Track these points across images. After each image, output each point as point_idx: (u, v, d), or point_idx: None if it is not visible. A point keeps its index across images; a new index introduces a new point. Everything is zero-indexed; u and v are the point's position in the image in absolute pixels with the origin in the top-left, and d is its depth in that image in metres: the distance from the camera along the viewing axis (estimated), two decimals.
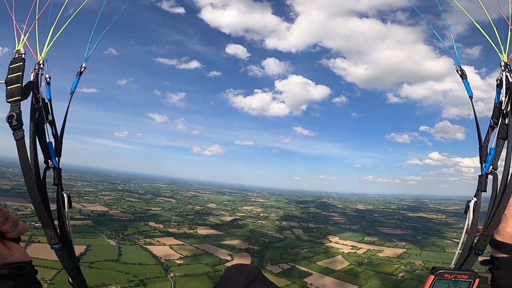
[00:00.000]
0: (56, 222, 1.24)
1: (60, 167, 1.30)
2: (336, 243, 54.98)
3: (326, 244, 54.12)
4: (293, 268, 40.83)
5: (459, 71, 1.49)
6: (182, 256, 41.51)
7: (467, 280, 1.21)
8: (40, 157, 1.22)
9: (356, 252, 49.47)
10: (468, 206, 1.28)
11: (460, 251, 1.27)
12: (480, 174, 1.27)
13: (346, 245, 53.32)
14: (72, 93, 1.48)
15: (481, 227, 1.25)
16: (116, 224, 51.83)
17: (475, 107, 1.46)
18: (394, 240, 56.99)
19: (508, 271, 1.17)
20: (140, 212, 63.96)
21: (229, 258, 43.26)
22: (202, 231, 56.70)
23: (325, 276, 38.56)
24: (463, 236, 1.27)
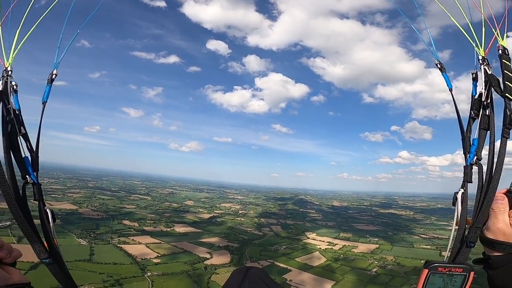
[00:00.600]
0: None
1: (39, 182, 1.21)
2: (313, 239, 56.36)
3: (304, 241, 55.31)
4: (272, 265, 41.24)
5: (438, 64, 1.53)
6: (159, 255, 40.25)
7: (461, 273, 1.20)
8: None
9: (332, 248, 51.00)
10: (456, 198, 1.28)
11: (452, 244, 1.26)
12: (465, 165, 1.29)
13: (323, 241, 54.75)
14: (44, 103, 1.34)
15: (471, 218, 1.25)
16: (87, 223, 49.04)
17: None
18: (367, 236, 59.41)
19: (504, 271, 1.15)
20: (113, 210, 61.07)
21: (208, 256, 42.68)
22: (179, 229, 55.51)
23: (304, 272, 39.40)
24: (453, 228, 1.27)
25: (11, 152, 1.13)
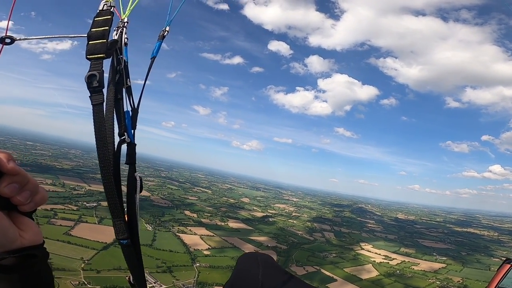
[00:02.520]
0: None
1: (135, 141, 1.11)
2: (368, 251, 52.09)
3: (357, 251, 51.71)
4: (318, 272, 40.01)
5: None
6: (210, 247, 43.00)
7: None
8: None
9: (388, 262, 46.37)
10: None
11: None
12: None
13: (379, 254, 50.20)
14: (153, 58, 1.33)
15: None
16: (155, 210, 55.59)
17: None
18: (434, 254, 52.06)
19: None
20: (178, 200, 67.43)
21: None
22: (232, 224, 58.14)
23: (350, 283, 37.03)
24: None
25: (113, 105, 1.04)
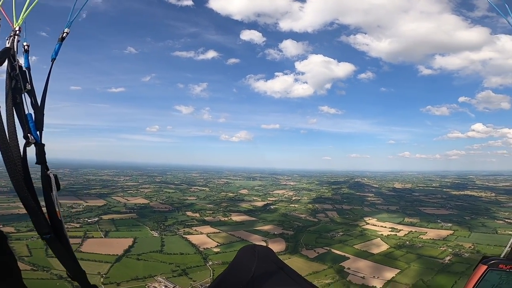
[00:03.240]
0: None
1: (42, 142, 1.11)
2: (373, 225, 53.13)
3: (362, 226, 52.63)
4: (329, 252, 40.44)
5: None
6: (219, 244, 43.02)
7: None
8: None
9: (396, 234, 47.28)
10: None
11: None
12: None
13: (385, 227, 51.21)
14: (53, 59, 1.36)
15: None
16: (157, 216, 55.15)
17: None
18: (438, 221, 53.32)
19: None
20: (178, 203, 67.11)
21: (263, 244, 43.95)
22: (236, 217, 58.10)
23: (363, 259, 37.59)
24: None
25: (13, 109, 1.05)
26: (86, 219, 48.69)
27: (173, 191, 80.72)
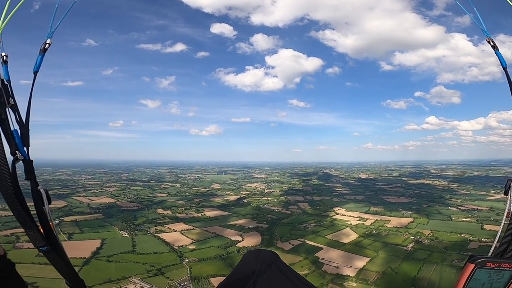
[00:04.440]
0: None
1: (31, 158, 1.14)
2: (342, 215, 56.04)
3: (332, 217, 55.21)
4: (303, 244, 41.80)
5: (490, 42, 1.41)
6: (194, 241, 42.24)
7: (511, 269, 1.13)
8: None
9: (363, 223, 50.39)
10: (510, 186, 1.19)
11: (497, 240, 1.18)
12: None
13: (353, 216, 54.32)
14: (35, 72, 1.33)
15: None
16: (125, 215, 52.49)
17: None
18: (400, 209, 57.68)
19: None
20: (147, 200, 64.62)
21: (239, 238, 44.12)
22: (209, 213, 57.44)
23: (335, 249, 39.59)
24: (503, 220, 1.20)
25: None
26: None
27: (142, 188, 77.41)
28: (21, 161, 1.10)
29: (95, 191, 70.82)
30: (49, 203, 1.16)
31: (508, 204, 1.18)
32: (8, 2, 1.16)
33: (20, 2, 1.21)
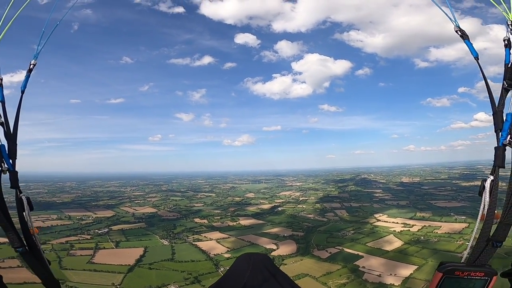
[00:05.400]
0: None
1: (16, 169, 1.27)
2: (384, 221, 52.28)
3: (373, 224, 51.85)
4: (341, 252, 39.82)
5: (458, 31, 1.45)
6: (229, 249, 42.67)
7: (482, 278, 1.07)
8: None
9: (409, 230, 46.47)
10: (484, 187, 1.14)
11: (473, 243, 1.13)
12: (496, 145, 1.13)
13: (397, 223, 50.32)
14: (22, 91, 1.45)
15: (500, 211, 1.10)
16: (166, 224, 54.99)
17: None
18: (451, 214, 52.26)
19: None
20: (185, 210, 67.09)
21: (274, 247, 43.54)
22: (244, 221, 57.80)
23: (377, 257, 36.87)
24: (477, 224, 1.14)
25: None
26: (96, 231, 48.84)
27: (180, 198, 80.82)
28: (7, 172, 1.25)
29: (139, 201, 75.83)
30: (31, 209, 1.28)
31: (481, 206, 1.13)
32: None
33: (9, 24, 1.32)
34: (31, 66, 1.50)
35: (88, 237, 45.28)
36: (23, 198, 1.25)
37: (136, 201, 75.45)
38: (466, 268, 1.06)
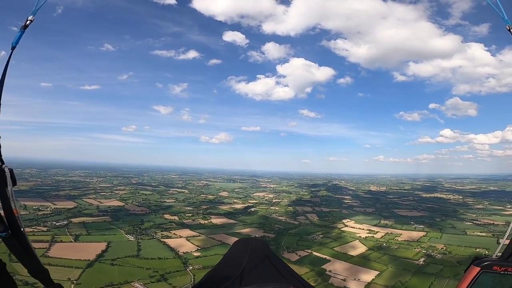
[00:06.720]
0: None
1: None
2: (352, 227, 54.59)
3: (341, 229, 53.80)
4: (310, 255, 40.76)
5: (511, 30, 1.43)
6: (199, 248, 41.87)
7: None
8: None
9: (373, 236, 48.89)
10: None
11: (508, 240, 1.09)
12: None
13: (362, 229, 52.80)
14: (13, 47, 1.30)
15: None
16: (133, 219, 52.82)
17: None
18: (412, 222, 55.92)
19: None
20: (155, 205, 64.96)
21: None
22: (215, 220, 57.11)
23: (343, 262, 38.32)
24: None
25: None
26: (54, 222, 45.66)
27: (150, 193, 78.12)
28: None
29: (105, 193, 72.02)
30: (14, 184, 1.10)
31: None
32: None
33: None
34: (27, 22, 1.34)
35: (45, 229, 42.37)
36: (6, 170, 1.04)
37: (102, 193, 71.57)
38: (505, 263, 1.02)
